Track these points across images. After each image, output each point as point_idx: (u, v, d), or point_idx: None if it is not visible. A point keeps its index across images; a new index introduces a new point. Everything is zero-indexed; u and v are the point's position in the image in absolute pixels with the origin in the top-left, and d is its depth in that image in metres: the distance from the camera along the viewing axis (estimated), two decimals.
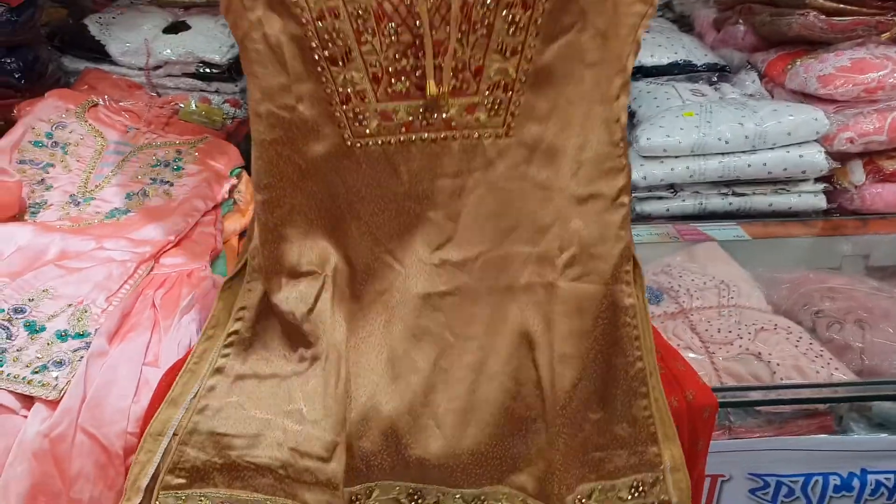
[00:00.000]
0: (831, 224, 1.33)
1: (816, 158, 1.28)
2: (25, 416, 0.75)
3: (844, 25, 1.39)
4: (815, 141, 1.30)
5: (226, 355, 0.76)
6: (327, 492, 0.71)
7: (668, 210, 1.34)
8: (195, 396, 0.74)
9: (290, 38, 0.68)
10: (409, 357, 0.73)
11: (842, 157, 1.33)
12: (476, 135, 0.72)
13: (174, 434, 0.72)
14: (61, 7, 1.71)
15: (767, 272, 1.20)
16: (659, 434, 0.75)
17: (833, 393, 0.91)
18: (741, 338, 1.00)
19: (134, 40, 1.48)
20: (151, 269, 0.95)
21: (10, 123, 1.25)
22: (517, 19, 0.68)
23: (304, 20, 0.67)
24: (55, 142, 1.21)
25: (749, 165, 1.29)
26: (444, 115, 0.71)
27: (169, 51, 1.46)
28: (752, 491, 0.96)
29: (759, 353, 0.97)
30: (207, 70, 1.48)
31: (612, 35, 0.71)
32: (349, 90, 0.70)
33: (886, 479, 0.95)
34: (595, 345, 0.73)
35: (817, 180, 1.33)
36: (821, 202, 1.33)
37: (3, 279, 0.86)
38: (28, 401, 0.76)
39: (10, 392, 0.76)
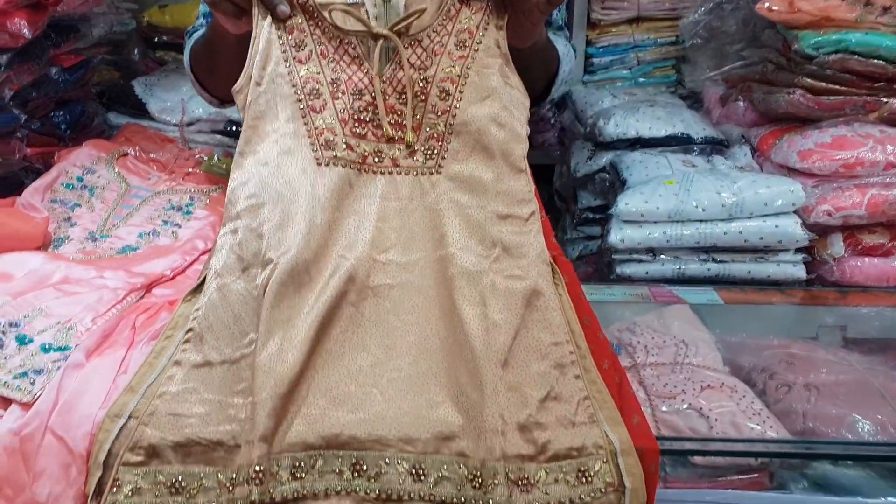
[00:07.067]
0: (810, 294, 1.35)
1: (792, 229, 1.31)
2: (2, 416, 0.84)
3: (832, 104, 1.44)
4: (793, 212, 1.33)
5: (184, 350, 0.86)
6: (263, 447, 0.77)
7: (647, 273, 1.38)
8: (152, 384, 0.83)
9: (282, 98, 0.95)
10: (358, 335, 0.86)
11: (822, 230, 1.36)
12: (415, 172, 0.95)
13: (132, 417, 0.81)
14: (115, 70, 1.91)
15: (736, 337, 1.22)
16: (602, 417, 0.81)
17: (765, 448, 0.93)
18: (685, 393, 1.03)
19: (172, 99, 1.64)
20: (141, 298, 1.06)
21: (50, 167, 1.41)
22: (447, 90, 0.95)
23: (293, 83, 0.95)
24: (84, 185, 1.36)
25: (725, 233, 1.33)
26: (392, 156, 0.95)
27: (201, 110, 1.62)
28: None
29: (701, 409, 0.99)
30: (234, 128, 1.64)
31: (517, 112, 0.97)
32: (323, 126, 0.95)
33: None
34: (524, 319, 0.86)
35: (797, 251, 1.36)
36: (800, 272, 1.35)
37: (6, 297, 0.98)
38: (7, 403, 0.85)
39: None
